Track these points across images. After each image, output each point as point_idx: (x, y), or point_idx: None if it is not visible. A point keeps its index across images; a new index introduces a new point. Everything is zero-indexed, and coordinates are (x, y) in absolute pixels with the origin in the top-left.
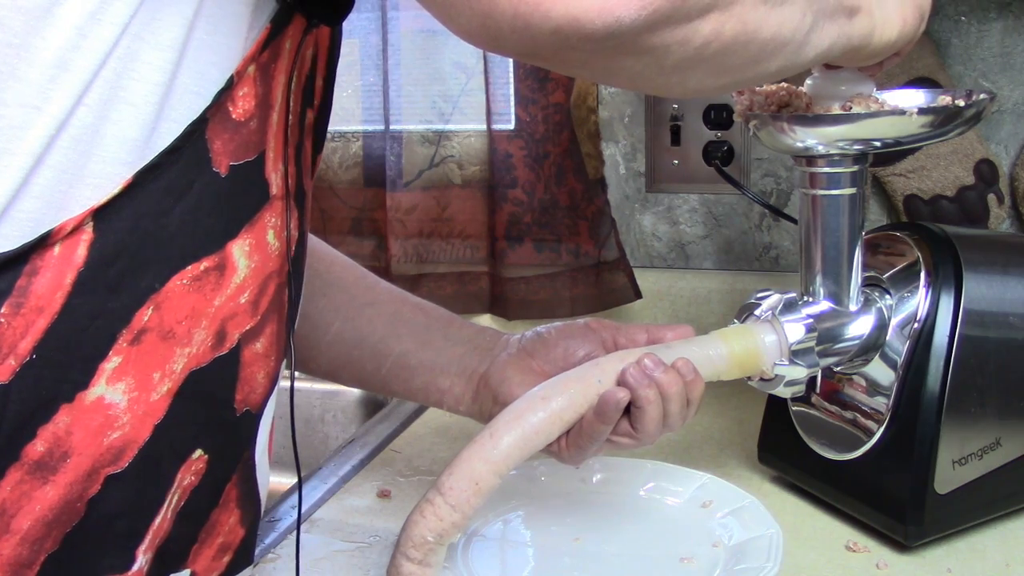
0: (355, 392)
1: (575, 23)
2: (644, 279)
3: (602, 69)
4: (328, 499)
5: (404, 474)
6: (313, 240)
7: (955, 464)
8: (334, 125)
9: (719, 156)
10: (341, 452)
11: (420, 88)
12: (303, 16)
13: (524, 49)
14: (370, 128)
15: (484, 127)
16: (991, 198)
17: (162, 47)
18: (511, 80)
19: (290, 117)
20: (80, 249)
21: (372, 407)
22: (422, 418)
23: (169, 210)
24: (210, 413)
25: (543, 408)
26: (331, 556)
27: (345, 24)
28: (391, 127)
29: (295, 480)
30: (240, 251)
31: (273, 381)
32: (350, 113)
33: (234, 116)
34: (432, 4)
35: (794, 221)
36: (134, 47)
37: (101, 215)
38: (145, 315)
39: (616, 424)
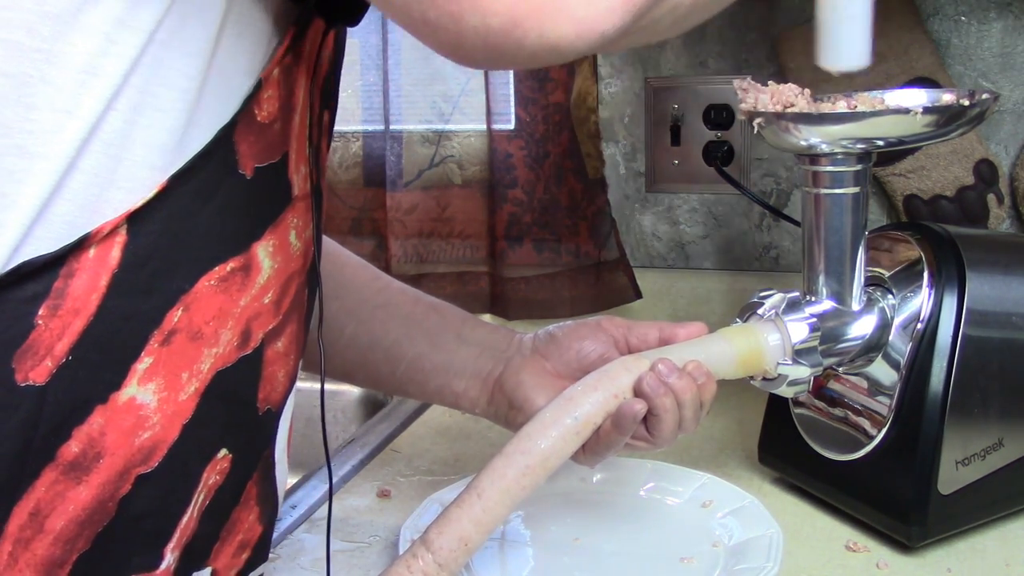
0: (355, 392)
1: (554, 50)
2: (644, 279)
3: (594, 52)
4: None
5: (404, 474)
6: (326, 241)
7: (958, 464)
8: (334, 125)
9: (719, 156)
10: (341, 452)
11: (420, 88)
12: (321, 18)
13: (503, 67)
14: (370, 128)
15: (484, 127)
16: (991, 198)
17: (190, 54)
18: (511, 80)
19: (311, 119)
20: (114, 251)
21: (372, 407)
22: (422, 418)
23: (198, 212)
24: (234, 412)
25: (523, 462)
26: (331, 556)
27: None
28: (391, 127)
29: (294, 480)
30: (264, 252)
31: (292, 380)
32: (350, 113)
33: (259, 119)
34: (407, 25)
35: (794, 221)
36: (162, 54)
37: (134, 218)
38: (175, 316)
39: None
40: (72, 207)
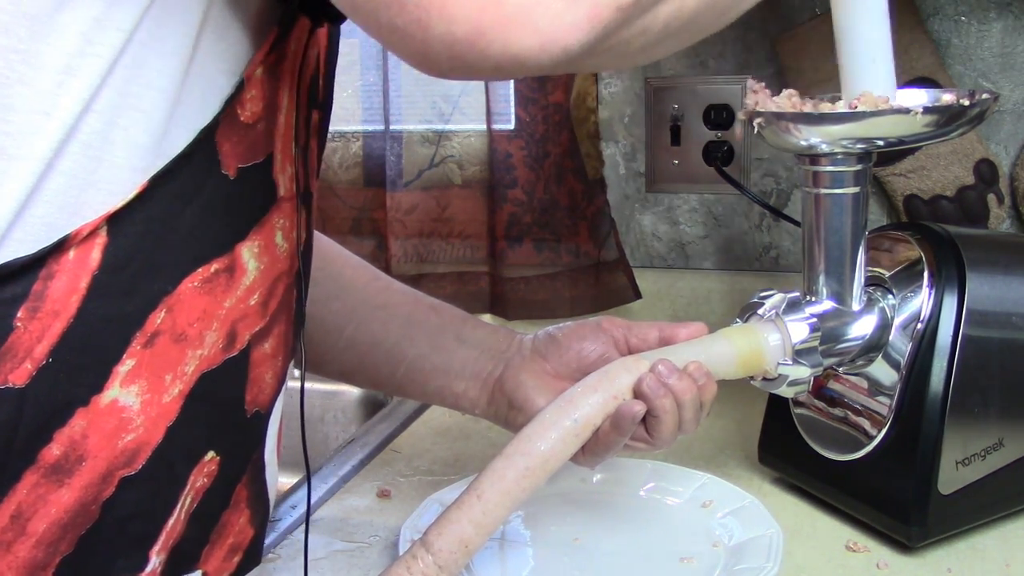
0: (355, 392)
1: (517, 61)
2: (644, 279)
3: (561, 72)
4: (328, 499)
5: (404, 474)
6: (326, 242)
7: (958, 465)
8: (334, 125)
9: (719, 156)
10: (341, 452)
11: (420, 88)
12: (307, 17)
13: (469, 78)
14: (370, 128)
15: (484, 127)
16: (991, 198)
17: (170, 54)
18: (511, 80)
19: (298, 119)
20: (94, 253)
21: (372, 407)
22: (422, 418)
23: (180, 213)
24: (221, 415)
25: (522, 464)
26: (331, 556)
27: (345, 24)
28: (391, 127)
29: (295, 480)
30: (249, 253)
31: (281, 381)
32: (350, 113)
33: (242, 119)
34: (375, 31)
35: (793, 221)
36: (141, 54)
37: (115, 219)
38: (158, 318)
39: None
40: (51, 209)
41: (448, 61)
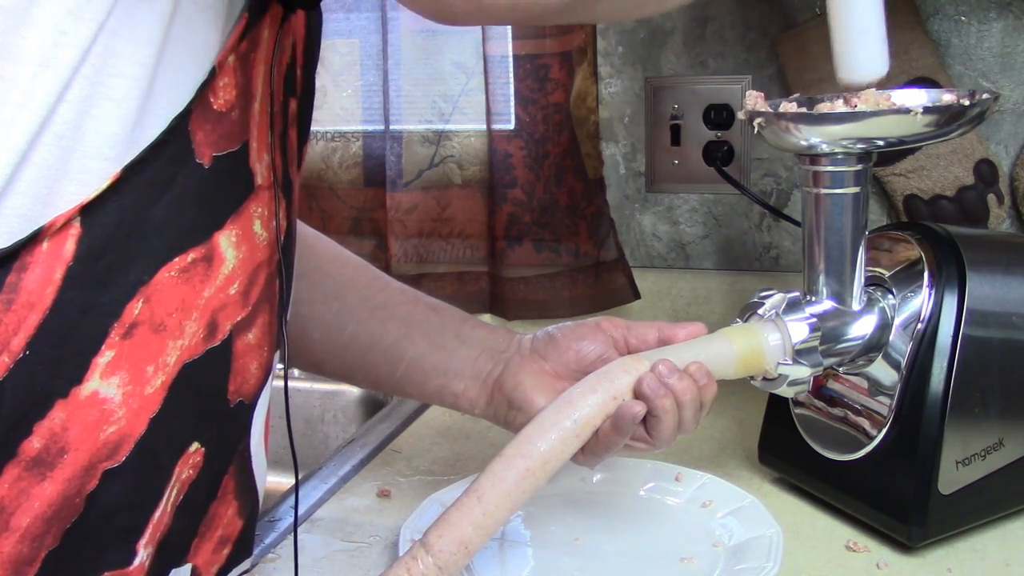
0: (355, 392)
1: (535, 3)
2: (644, 279)
3: (580, 15)
4: (328, 499)
5: (404, 474)
6: (325, 241)
7: (958, 464)
8: (334, 125)
9: (719, 156)
10: (341, 452)
11: (420, 88)
12: (279, 3)
13: (485, 23)
14: (370, 128)
15: (484, 127)
16: (991, 198)
17: (140, 43)
18: (511, 80)
19: (273, 107)
20: (68, 244)
21: (372, 407)
22: (422, 418)
23: (154, 203)
24: (204, 405)
25: (522, 465)
26: (331, 556)
27: (345, 24)
28: (391, 127)
29: (294, 480)
30: (227, 242)
31: (267, 371)
32: (350, 113)
33: (215, 107)
34: None
35: (794, 221)
36: (112, 44)
37: (88, 210)
38: (135, 308)
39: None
40: (25, 200)
41: (462, 4)
